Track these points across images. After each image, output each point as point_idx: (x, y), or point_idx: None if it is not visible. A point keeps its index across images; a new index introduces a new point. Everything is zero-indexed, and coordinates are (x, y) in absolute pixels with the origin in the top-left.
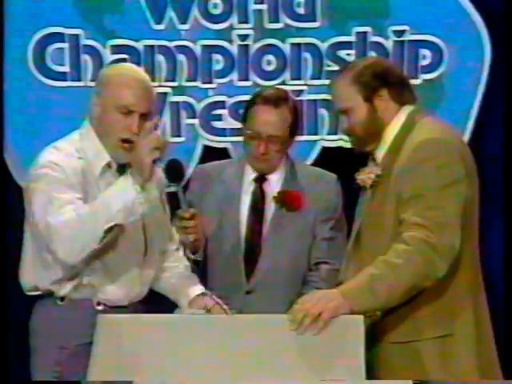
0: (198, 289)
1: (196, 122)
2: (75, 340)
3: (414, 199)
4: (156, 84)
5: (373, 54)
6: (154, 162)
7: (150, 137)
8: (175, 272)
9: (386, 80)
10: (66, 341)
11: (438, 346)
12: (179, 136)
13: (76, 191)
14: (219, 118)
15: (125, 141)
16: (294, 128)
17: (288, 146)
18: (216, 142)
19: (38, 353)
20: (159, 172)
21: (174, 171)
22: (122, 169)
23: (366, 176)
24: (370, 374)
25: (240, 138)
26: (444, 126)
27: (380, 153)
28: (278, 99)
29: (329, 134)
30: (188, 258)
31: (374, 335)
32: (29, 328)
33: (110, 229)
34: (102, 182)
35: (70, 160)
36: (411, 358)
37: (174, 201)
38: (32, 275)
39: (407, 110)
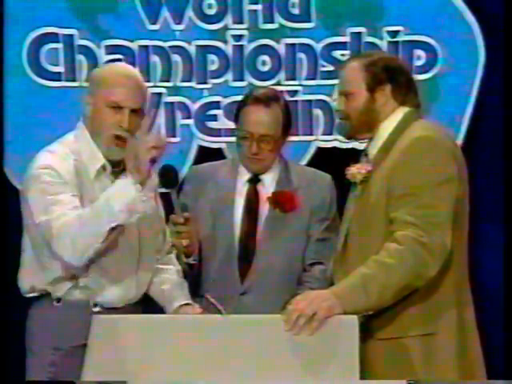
0: (184, 299)
1: (191, 122)
2: (70, 341)
3: (406, 197)
4: (151, 84)
5: None
6: (152, 161)
7: (149, 136)
8: (166, 277)
9: (393, 77)
10: (61, 342)
11: (422, 344)
12: (174, 136)
13: (72, 190)
14: (214, 118)
15: (116, 137)
16: (287, 127)
17: (281, 146)
18: (211, 142)
19: (32, 353)
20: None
21: (168, 177)
22: (116, 171)
23: (356, 170)
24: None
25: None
26: (438, 126)
27: (373, 150)
28: (269, 99)
29: (324, 135)
30: (182, 261)
31: (363, 332)
32: (25, 328)
33: (113, 228)
34: (96, 184)
35: (64, 162)
36: (397, 354)
37: (168, 205)
38: (29, 276)
39: (405, 110)
